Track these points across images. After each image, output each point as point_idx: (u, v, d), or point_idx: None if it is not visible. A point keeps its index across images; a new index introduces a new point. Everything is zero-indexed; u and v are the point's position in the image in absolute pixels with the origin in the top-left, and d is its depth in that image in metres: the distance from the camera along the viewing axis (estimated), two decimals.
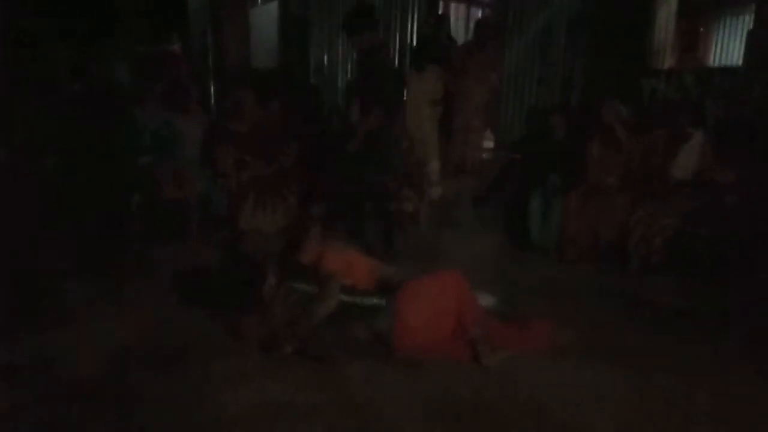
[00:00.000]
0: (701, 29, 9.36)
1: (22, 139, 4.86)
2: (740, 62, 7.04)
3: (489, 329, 2.90)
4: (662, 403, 2.52)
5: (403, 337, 2.78)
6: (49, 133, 5.02)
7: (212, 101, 8.18)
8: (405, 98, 5.82)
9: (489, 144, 6.91)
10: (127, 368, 2.75)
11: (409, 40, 7.22)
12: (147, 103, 5.02)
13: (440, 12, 7.40)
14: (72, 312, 3.35)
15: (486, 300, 3.11)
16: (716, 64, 9.13)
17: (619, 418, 2.42)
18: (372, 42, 4.12)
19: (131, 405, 2.47)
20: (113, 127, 5.03)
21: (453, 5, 8.03)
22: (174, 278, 3.79)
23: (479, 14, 8.53)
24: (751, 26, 6.49)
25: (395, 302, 2.83)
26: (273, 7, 8.77)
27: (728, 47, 9.10)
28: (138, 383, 2.63)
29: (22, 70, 5.50)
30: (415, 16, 7.18)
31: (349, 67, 7.67)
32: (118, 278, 3.84)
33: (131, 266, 4.13)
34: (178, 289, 3.62)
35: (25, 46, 5.84)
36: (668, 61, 7.55)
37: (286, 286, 2.98)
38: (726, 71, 7.34)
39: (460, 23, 8.33)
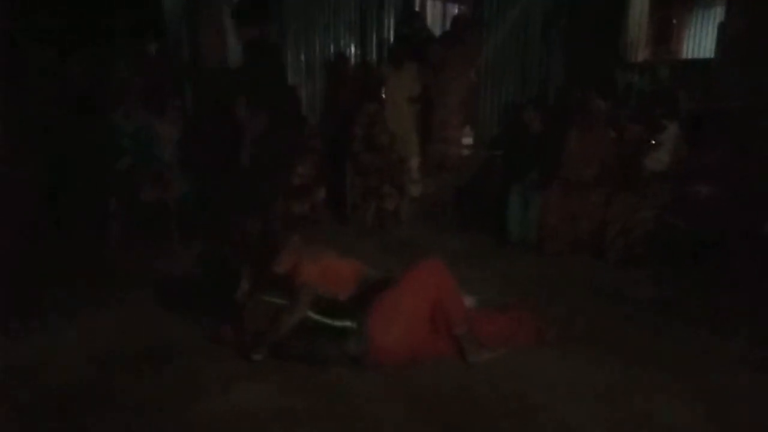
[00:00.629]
0: (674, 21, 9.49)
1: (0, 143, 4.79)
2: (712, 54, 7.15)
3: (473, 325, 2.89)
4: (644, 396, 2.56)
5: (378, 357, 2.72)
6: (27, 136, 4.95)
7: (190, 102, 8.11)
8: (384, 95, 5.87)
9: (468, 140, 6.94)
10: (110, 373, 2.73)
11: (386, 37, 7.20)
12: (124, 104, 4.96)
13: (416, 9, 7.41)
14: (52, 317, 3.32)
15: (467, 301, 3.08)
16: (689, 56, 9.26)
17: (601, 411, 2.46)
18: (261, 35, 3.86)
19: (115, 411, 2.45)
20: (90, 130, 4.97)
21: (429, 2, 8.04)
22: (155, 282, 3.78)
23: (455, 10, 8.56)
24: (722, 18, 6.58)
25: (367, 326, 2.73)
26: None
27: (701, 39, 9.23)
28: (121, 388, 2.62)
29: None
30: (392, 13, 7.18)
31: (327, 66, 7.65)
32: (97, 282, 3.81)
33: (110, 270, 4.09)
34: (159, 294, 3.60)
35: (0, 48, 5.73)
36: (642, 54, 7.65)
37: (257, 297, 2.94)
38: (698, 63, 7.47)
39: (436, 20, 8.35)
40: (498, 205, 4.82)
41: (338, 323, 2.76)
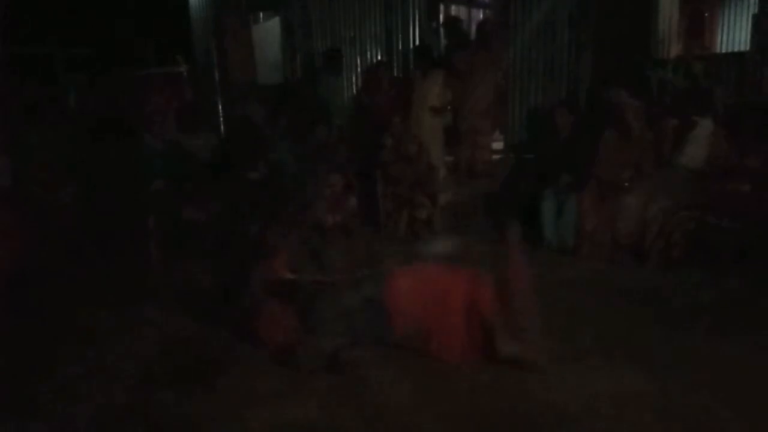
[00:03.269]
0: (706, 15, 9.28)
1: (36, 168, 4.93)
2: (747, 47, 6.96)
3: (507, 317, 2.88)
4: (686, 403, 2.49)
5: (396, 309, 2.82)
6: (62, 160, 5.09)
7: (221, 120, 8.26)
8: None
9: (498, 145, 6.89)
10: (154, 391, 2.77)
11: (411, 48, 7.21)
12: (157, 126, 5.07)
13: (441, 17, 7.40)
14: (96, 336, 3.39)
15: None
16: (723, 49, 9.03)
17: (641, 421, 2.40)
18: None
19: (159, 428, 2.49)
20: (124, 151, 5.08)
21: (454, 8, 8.03)
22: (195, 299, 3.82)
23: (481, 15, 8.53)
24: (756, 10, 6.41)
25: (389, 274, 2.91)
26: (275, 23, 8.84)
27: (734, 32, 9.00)
28: (165, 406, 2.65)
29: (33, 98, 5.58)
30: (417, 23, 7.19)
31: (354, 79, 7.69)
32: (138, 301, 3.88)
33: (151, 288, 4.17)
34: (200, 310, 3.64)
35: (35, 74, 5.94)
36: (674, 50, 7.49)
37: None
38: (733, 57, 7.27)
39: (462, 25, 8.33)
40: (531, 209, 4.75)
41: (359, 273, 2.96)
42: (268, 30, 9.18)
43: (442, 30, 7.23)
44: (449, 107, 6.13)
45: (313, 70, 7.67)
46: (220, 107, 8.49)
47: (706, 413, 2.42)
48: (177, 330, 3.43)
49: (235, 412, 2.57)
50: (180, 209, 4.72)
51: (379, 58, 7.30)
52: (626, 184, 4.45)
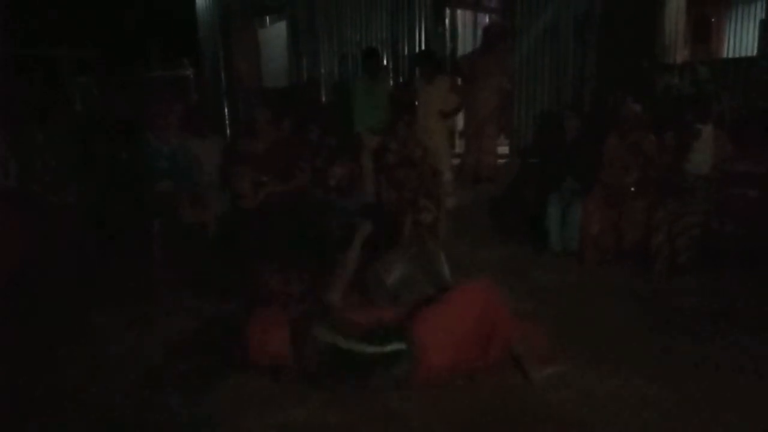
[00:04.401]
0: (712, 20, 9.26)
1: (41, 169, 4.94)
2: (754, 52, 6.94)
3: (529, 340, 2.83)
4: (694, 408, 2.47)
5: (425, 376, 2.65)
6: (67, 162, 5.10)
7: (227, 123, 8.28)
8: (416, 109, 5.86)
9: (504, 149, 6.89)
10: (157, 392, 2.77)
11: (417, 53, 7.22)
12: (162, 128, 5.07)
13: (447, 21, 7.40)
14: (100, 337, 3.39)
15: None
16: (730, 54, 9.01)
17: (643, 425, 2.38)
18: None
19: (163, 429, 2.48)
20: (130, 153, 5.10)
21: (460, 13, 8.03)
22: (199, 301, 3.82)
23: (486, 20, 8.54)
24: (763, 15, 6.39)
25: (417, 346, 2.63)
26: (281, 27, 8.87)
27: (741, 37, 8.97)
28: (161, 406, 2.65)
29: (38, 99, 5.61)
30: (423, 28, 7.19)
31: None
32: (142, 303, 3.89)
33: (155, 290, 4.17)
34: (204, 313, 3.64)
35: (42, 76, 5.96)
36: (681, 55, 7.47)
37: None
38: (740, 62, 7.24)
39: (467, 30, 8.34)
40: (536, 214, 4.74)
41: (389, 348, 2.64)
42: (275, 34, 9.22)
43: (448, 34, 7.25)
44: (455, 112, 6.13)
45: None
46: (226, 110, 8.52)
47: (709, 418, 2.40)
48: (178, 332, 3.43)
49: (236, 414, 2.56)
50: (183, 212, 4.73)
51: (385, 62, 7.31)
52: (632, 189, 4.44)
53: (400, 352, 2.62)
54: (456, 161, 6.44)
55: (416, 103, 5.87)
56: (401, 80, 7.20)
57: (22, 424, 2.57)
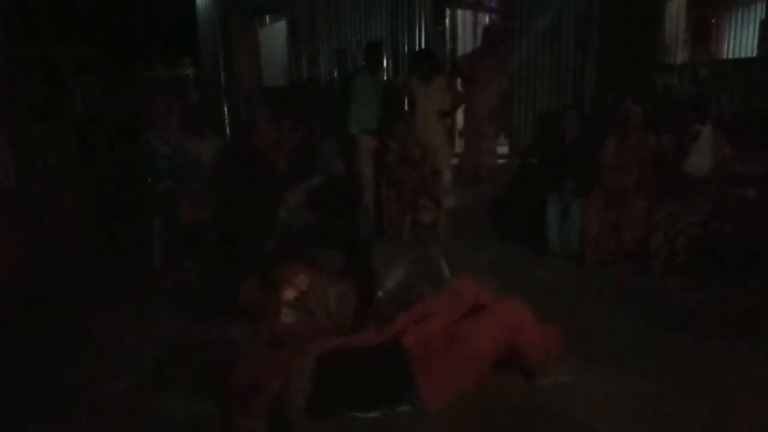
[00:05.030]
0: (713, 20, 9.25)
1: (41, 168, 4.95)
2: (754, 53, 6.94)
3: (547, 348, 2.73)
4: (692, 408, 2.48)
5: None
6: (67, 161, 5.10)
7: (227, 122, 8.28)
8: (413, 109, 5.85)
9: (503, 150, 6.89)
10: (150, 393, 2.77)
11: (416, 52, 7.22)
12: (162, 128, 5.07)
13: (447, 21, 7.40)
14: (101, 336, 3.39)
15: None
16: (730, 55, 9.01)
17: (643, 425, 2.39)
18: None
19: (154, 428, 2.48)
20: (130, 154, 5.10)
21: (460, 12, 8.03)
22: (199, 301, 3.82)
23: (486, 20, 8.54)
24: (763, 16, 6.39)
25: (422, 404, 2.45)
26: (281, 26, 8.87)
27: (741, 38, 8.96)
28: (161, 407, 2.65)
29: (39, 99, 5.61)
30: (423, 27, 7.20)
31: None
32: (143, 302, 3.89)
33: (156, 289, 4.17)
34: (204, 312, 3.64)
35: (42, 75, 5.96)
36: (681, 56, 7.47)
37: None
38: (740, 63, 7.24)
39: (467, 30, 8.34)
40: (536, 214, 4.74)
41: (393, 409, 2.47)
42: (275, 33, 9.22)
43: (448, 34, 7.25)
44: (453, 111, 6.13)
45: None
46: (226, 110, 8.51)
47: (709, 418, 2.41)
48: (178, 331, 3.43)
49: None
50: (183, 211, 4.73)
51: (385, 62, 7.30)
52: (631, 189, 4.44)
53: (403, 411, 2.48)
54: (455, 161, 6.44)
55: (414, 102, 5.85)
56: (400, 79, 7.20)
57: (22, 423, 2.57)
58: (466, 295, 2.78)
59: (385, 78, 7.12)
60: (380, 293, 3.14)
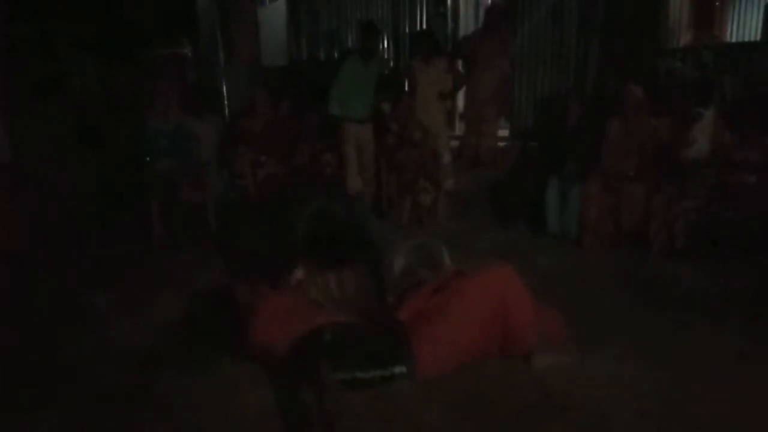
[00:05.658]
0: (717, 3, 9.16)
1: (39, 146, 4.91)
2: (758, 37, 6.88)
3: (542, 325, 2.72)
4: (690, 392, 2.49)
5: (425, 378, 2.56)
6: (65, 139, 5.07)
7: (225, 102, 8.21)
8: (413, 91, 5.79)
9: (504, 132, 6.85)
10: (154, 373, 2.77)
11: (417, 32, 7.15)
12: (161, 107, 5.03)
13: (448, 2, 7.33)
14: (97, 318, 3.39)
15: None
16: (734, 39, 8.93)
17: (641, 408, 2.39)
18: None
19: (161, 410, 2.49)
20: (129, 133, 5.07)
21: None
22: (197, 283, 3.82)
23: (488, 1, 8.44)
24: None
25: (417, 362, 2.50)
26: (281, 5, 8.77)
27: (746, 22, 8.89)
28: (160, 386, 2.66)
29: (36, 76, 5.54)
30: (424, 8, 7.12)
31: None
32: (140, 283, 3.89)
33: (154, 270, 4.17)
34: (200, 294, 3.65)
35: (39, 53, 5.89)
36: (684, 39, 7.40)
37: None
38: (744, 47, 7.19)
39: (469, 10, 8.25)
40: (535, 198, 4.74)
41: (389, 371, 2.51)
42: (274, 12, 9.12)
43: (449, 15, 7.17)
44: (454, 92, 6.08)
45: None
46: (224, 89, 8.44)
47: (708, 401, 2.42)
48: (178, 311, 3.43)
49: (234, 393, 2.57)
50: (183, 191, 4.72)
51: (385, 42, 7.24)
52: (631, 173, 4.43)
53: (400, 373, 2.52)
54: (456, 144, 6.41)
55: (414, 84, 5.80)
56: (401, 61, 7.14)
57: (22, 403, 2.58)
58: (496, 293, 2.67)
59: (385, 58, 7.06)
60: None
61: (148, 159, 4.83)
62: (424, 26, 7.06)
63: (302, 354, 2.48)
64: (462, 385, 2.58)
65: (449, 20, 7.36)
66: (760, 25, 7.04)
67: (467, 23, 7.98)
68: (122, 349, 3.03)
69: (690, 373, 2.62)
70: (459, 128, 7.10)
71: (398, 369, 2.51)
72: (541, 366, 2.67)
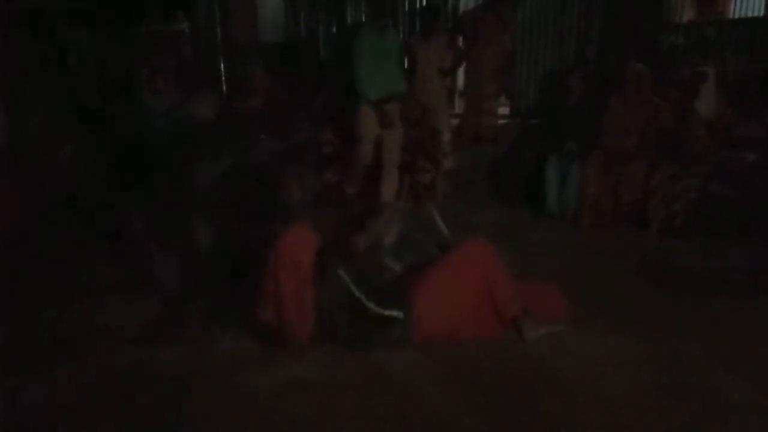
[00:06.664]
0: None
1: (35, 127, 4.87)
2: (761, 12, 6.80)
3: (526, 300, 2.82)
4: (686, 368, 2.51)
5: (421, 339, 2.69)
6: (61, 119, 5.02)
7: (222, 79, 8.14)
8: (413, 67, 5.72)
9: (504, 110, 6.80)
10: (154, 352, 2.78)
11: (422, 7, 7.05)
12: (158, 84, 4.98)
13: None
14: (91, 298, 3.40)
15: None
16: (736, 15, 8.82)
17: (640, 385, 2.41)
18: None
19: (160, 386, 2.51)
20: (125, 111, 5.03)
21: None
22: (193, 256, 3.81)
23: None
24: None
25: (413, 313, 2.67)
26: None
27: None
28: (164, 364, 2.67)
29: (32, 54, 5.48)
30: None
31: None
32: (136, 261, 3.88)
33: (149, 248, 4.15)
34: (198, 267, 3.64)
35: (34, 29, 5.81)
36: (687, 15, 7.31)
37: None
38: (746, 22, 7.11)
39: None
40: (535, 176, 4.72)
41: (387, 312, 2.69)
42: None
43: None
44: (454, 69, 6.02)
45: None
46: (222, 66, 8.36)
47: (704, 377, 2.44)
48: (176, 289, 3.43)
49: (232, 372, 2.59)
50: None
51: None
52: (631, 151, 4.41)
53: (396, 318, 2.68)
54: (455, 121, 6.37)
55: (414, 60, 5.73)
56: (401, 37, 7.05)
57: (20, 380, 2.60)
58: (478, 263, 2.79)
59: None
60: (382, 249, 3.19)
61: (146, 137, 4.80)
62: (426, 1, 6.96)
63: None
64: (458, 360, 2.60)
65: None
66: (763, 0, 6.94)
67: None
68: (119, 325, 3.04)
69: (687, 347, 2.64)
70: (459, 106, 7.05)
71: (395, 312, 2.68)
72: (533, 338, 2.72)
